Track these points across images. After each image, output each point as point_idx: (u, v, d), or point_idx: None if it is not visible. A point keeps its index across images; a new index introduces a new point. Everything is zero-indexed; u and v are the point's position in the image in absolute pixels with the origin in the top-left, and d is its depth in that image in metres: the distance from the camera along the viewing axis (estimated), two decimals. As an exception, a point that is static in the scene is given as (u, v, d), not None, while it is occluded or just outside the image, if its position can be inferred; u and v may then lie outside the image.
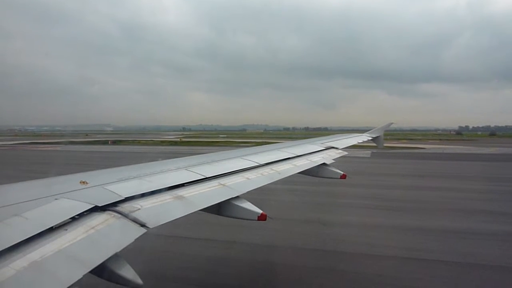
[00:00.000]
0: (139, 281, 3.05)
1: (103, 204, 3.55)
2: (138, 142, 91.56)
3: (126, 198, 3.83)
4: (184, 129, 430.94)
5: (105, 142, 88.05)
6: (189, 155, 7.14)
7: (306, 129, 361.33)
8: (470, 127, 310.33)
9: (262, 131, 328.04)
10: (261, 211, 4.73)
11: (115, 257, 2.98)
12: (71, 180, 4.13)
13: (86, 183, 4.04)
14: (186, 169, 5.43)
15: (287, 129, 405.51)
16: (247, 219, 4.76)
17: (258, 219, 4.70)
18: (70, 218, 3.19)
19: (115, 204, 3.66)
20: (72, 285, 2.41)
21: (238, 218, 4.79)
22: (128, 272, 3.05)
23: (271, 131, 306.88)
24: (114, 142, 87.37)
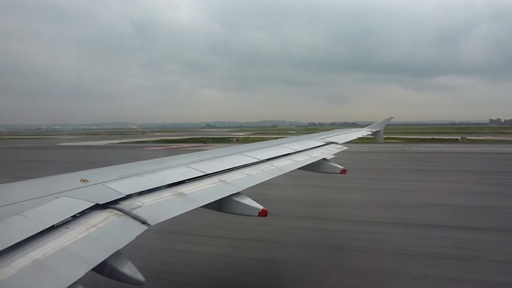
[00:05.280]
0: (140, 278, 3.06)
1: (104, 202, 3.55)
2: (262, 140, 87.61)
3: (127, 195, 3.84)
4: (208, 125, 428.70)
5: (230, 140, 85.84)
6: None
7: (333, 124, 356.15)
8: (502, 120, 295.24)
9: (293, 126, 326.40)
10: (262, 207, 4.74)
11: (117, 254, 2.99)
12: (72, 179, 4.13)
13: (87, 181, 4.04)
14: (186, 166, 5.43)
15: (313, 124, 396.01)
16: (248, 215, 4.76)
17: (259, 215, 4.71)
18: (71, 216, 3.19)
19: (116, 201, 3.66)
20: (74, 283, 2.41)
21: (239, 214, 4.80)
22: (130, 269, 3.06)
23: (317, 127, 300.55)
24: (238, 140, 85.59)
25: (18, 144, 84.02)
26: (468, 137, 76.57)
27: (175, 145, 69.87)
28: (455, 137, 78.97)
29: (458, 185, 23.85)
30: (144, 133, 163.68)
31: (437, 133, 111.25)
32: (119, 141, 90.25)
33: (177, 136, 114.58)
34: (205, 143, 75.44)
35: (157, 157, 6.29)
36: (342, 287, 9.51)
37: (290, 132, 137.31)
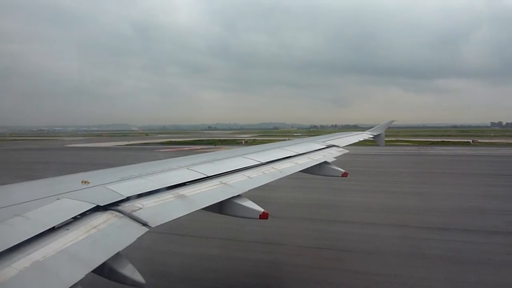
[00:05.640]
0: (141, 279, 3.05)
1: (104, 204, 3.55)
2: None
3: (127, 197, 3.83)
4: (209, 128, 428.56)
5: (238, 142, 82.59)
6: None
7: (334, 126, 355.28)
8: (504, 123, 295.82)
9: (295, 129, 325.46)
10: (262, 210, 4.72)
11: (117, 256, 2.99)
12: (73, 180, 4.13)
13: (88, 182, 4.04)
14: (187, 168, 5.42)
15: (314, 126, 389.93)
16: (249, 218, 4.75)
17: (260, 218, 4.70)
18: (72, 218, 3.19)
19: (116, 203, 3.66)
20: (74, 284, 2.41)
21: (239, 217, 4.79)
22: (130, 271, 3.05)
23: (318, 129, 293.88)
24: (247, 142, 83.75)
25: (27, 146, 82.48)
26: (478, 140, 76.33)
27: (186, 147, 69.14)
28: (465, 140, 78.48)
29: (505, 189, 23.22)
30: (147, 135, 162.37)
31: (442, 135, 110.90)
32: (127, 142, 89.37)
33: (182, 138, 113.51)
34: (215, 145, 74.73)
35: (159, 159, 6.29)
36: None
37: (295, 134, 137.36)
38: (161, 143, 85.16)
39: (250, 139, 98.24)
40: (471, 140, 76.14)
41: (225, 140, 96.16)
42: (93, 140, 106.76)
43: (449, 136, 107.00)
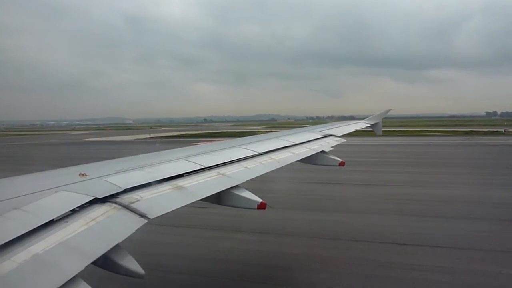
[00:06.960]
0: (140, 270, 3.09)
1: (103, 196, 3.56)
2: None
3: (126, 189, 3.85)
4: (205, 120, 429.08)
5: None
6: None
7: (331, 117, 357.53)
8: (499, 112, 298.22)
9: (292, 120, 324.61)
10: (260, 200, 4.75)
11: (117, 248, 3.01)
12: (71, 173, 4.13)
13: (86, 175, 4.05)
14: (185, 160, 5.43)
15: (311, 118, 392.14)
16: (247, 208, 4.78)
17: (258, 208, 4.73)
18: (71, 211, 3.20)
19: (115, 195, 3.67)
20: (74, 276, 2.43)
21: (237, 207, 4.82)
22: (130, 262, 3.08)
23: (315, 120, 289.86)
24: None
25: (46, 141, 76.72)
26: (509, 130, 76.03)
27: (215, 139, 67.31)
28: (494, 130, 77.52)
29: None
30: (151, 127, 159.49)
31: (455, 125, 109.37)
32: (147, 135, 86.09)
33: (194, 131, 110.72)
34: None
35: (157, 151, 6.30)
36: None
37: (303, 125, 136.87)
38: (180, 136, 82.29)
39: (267, 131, 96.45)
40: (503, 130, 75.87)
41: (244, 132, 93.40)
42: (102, 134, 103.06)
43: (460, 126, 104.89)
